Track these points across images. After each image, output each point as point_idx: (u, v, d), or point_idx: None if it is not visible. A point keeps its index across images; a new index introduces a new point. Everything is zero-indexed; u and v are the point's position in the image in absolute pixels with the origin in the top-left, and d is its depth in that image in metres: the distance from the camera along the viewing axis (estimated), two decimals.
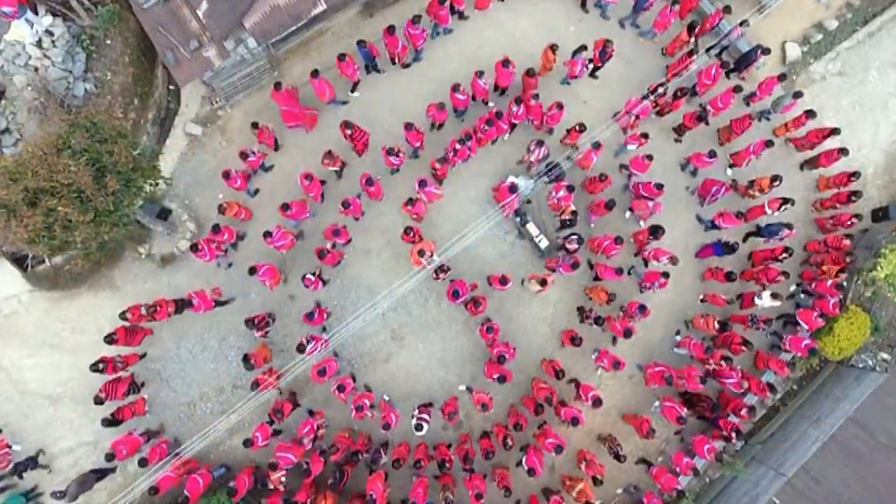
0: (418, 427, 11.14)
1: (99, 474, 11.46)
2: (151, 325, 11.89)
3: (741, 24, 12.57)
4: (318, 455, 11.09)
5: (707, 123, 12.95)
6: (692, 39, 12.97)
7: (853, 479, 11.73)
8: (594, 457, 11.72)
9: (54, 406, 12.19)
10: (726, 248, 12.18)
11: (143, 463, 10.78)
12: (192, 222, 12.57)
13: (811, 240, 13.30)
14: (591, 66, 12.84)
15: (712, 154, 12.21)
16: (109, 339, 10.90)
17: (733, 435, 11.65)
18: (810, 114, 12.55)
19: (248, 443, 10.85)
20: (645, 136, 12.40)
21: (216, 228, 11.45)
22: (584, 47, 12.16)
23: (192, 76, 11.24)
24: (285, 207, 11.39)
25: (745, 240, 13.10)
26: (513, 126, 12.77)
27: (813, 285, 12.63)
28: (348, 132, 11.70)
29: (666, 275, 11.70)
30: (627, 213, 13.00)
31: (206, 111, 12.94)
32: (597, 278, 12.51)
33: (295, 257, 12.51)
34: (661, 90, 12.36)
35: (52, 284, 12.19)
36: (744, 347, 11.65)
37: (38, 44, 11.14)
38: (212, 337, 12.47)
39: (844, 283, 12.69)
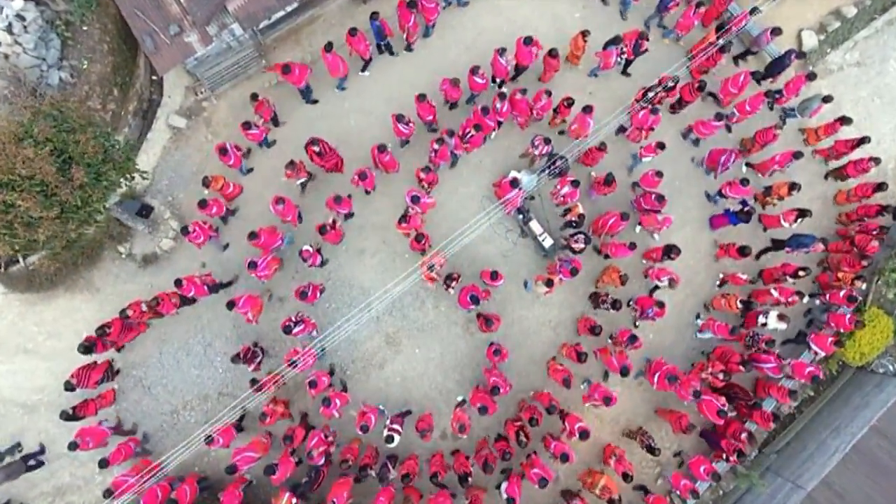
0: (389, 439, 10.39)
1: (29, 463, 10.98)
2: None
3: (773, 33, 11.77)
4: (288, 454, 10.33)
5: (707, 94, 12.21)
6: (719, 39, 12.21)
7: (878, 494, 11.03)
8: (623, 452, 11.11)
9: (29, 415, 11.52)
10: (741, 215, 11.46)
11: (103, 464, 10.01)
12: (176, 220, 11.87)
13: (834, 240, 12.57)
14: (623, 59, 12.17)
15: (720, 117, 11.54)
16: (102, 331, 10.21)
17: (734, 457, 10.88)
18: (845, 120, 11.80)
19: (208, 439, 10.07)
20: (661, 146, 11.50)
21: (203, 203, 10.61)
22: (617, 38, 11.54)
23: (173, 63, 10.53)
24: (252, 236, 10.43)
25: (760, 255, 12.36)
26: (499, 123, 11.98)
27: (827, 295, 11.82)
28: (315, 149, 10.73)
29: (661, 304, 10.92)
30: (638, 228, 12.24)
31: (191, 102, 12.24)
32: (606, 257, 11.86)
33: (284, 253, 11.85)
34: (651, 94, 11.65)
35: (26, 286, 11.49)
36: (741, 368, 10.96)
37: (9, 29, 10.41)
38: (196, 342, 11.78)
39: (857, 296, 11.78)
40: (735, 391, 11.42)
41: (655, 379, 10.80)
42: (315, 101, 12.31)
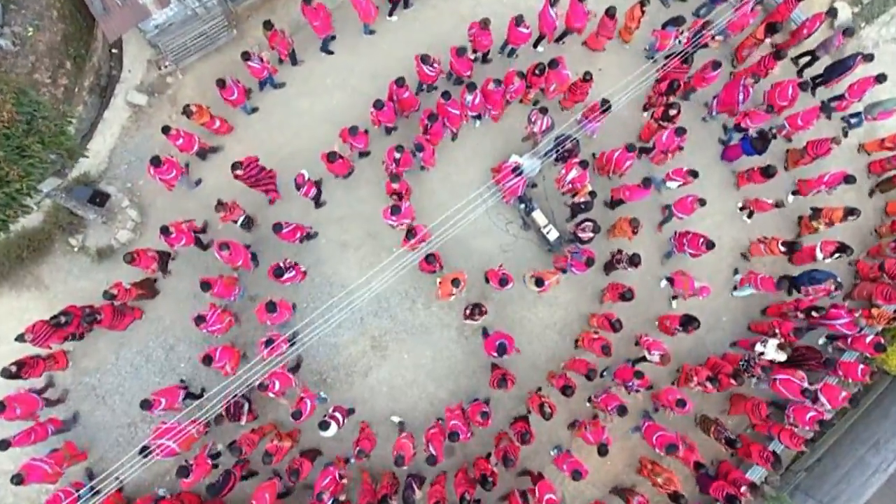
0: (323, 425, 8.91)
1: None
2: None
3: (844, 34, 10.60)
4: (204, 457, 9.07)
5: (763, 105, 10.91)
6: (767, 40, 11.03)
7: None
8: (695, 443, 9.87)
9: None
10: (756, 142, 10.21)
11: (4, 445, 8.67)
12: (135, 209, 10.59)
13: (861, 261, 11.27)
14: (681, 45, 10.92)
15: (717, 65, 10.31)
16: (91, 318, 9.11)
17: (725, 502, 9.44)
18: None
19: (145, 404, 8.85)
20: (694, 173, 10.00)
21: (166, 129, 9.42)
22: (681, 19, 10.49)
23: (125, 27, 9.27)
24: (205, 286, 9.32)
25: (779, 286, 10.45)
26: (478, 117, 10.75)
27: (850, 340, 10.27)
28: (238, 173, 9.33)
29: (639, 374, 9.44)
30: (663, 283, 10.85)
31: (153, 77, 10.96)
32: (615, 205, 10.61)
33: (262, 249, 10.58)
34: (672, 111, 10.48)
35: None
36: (733, 381, 9.72)
37: None
38: (157, 346, 10.49)
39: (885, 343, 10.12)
40: (801, 353, 10.06)
41: (655, 434, 9.50)
42: (331, 52, 11.38)
